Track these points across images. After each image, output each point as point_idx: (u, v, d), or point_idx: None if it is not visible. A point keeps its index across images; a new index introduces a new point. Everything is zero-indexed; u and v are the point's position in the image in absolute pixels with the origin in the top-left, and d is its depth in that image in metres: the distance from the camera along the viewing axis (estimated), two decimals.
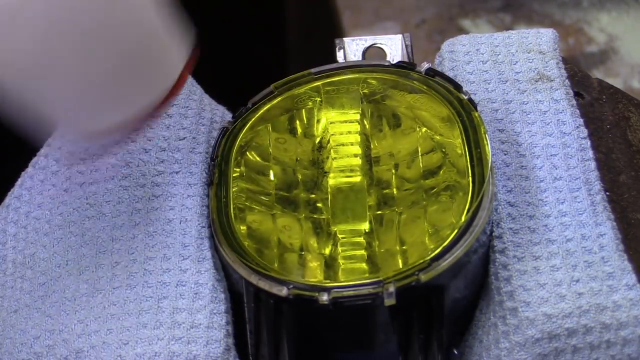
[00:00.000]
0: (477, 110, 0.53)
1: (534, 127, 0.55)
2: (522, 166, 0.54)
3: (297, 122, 0.56)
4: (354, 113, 0.56)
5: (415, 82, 0.55)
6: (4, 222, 0.54)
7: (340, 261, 0.52)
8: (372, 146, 0.55)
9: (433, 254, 0.48)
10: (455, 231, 0.49)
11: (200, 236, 0.52)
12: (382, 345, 0.51)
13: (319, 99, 0.56)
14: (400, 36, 0.62)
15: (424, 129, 0.55)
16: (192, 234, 0.52)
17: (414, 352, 0.49)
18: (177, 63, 0.48)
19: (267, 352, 0.48)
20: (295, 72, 0.56)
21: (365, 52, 0.62)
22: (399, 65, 0.56)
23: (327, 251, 0.53)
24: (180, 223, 0.52)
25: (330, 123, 0.56)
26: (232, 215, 0.51)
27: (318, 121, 0.56)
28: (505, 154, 0.54)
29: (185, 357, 0.47)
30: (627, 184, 0.55)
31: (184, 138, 0.56)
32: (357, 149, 0.55)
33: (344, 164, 0.55)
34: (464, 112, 0.53)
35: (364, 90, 0.56)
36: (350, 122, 0.56)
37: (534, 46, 0.59)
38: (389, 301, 0.47)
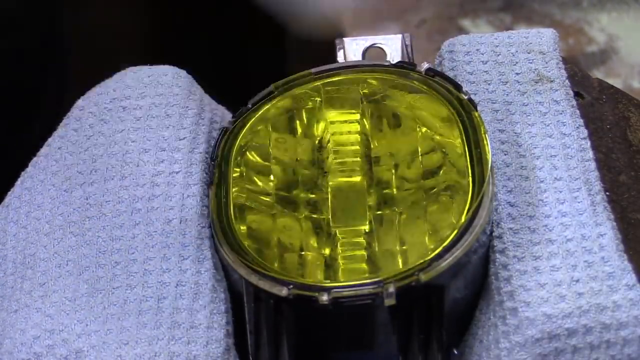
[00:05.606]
0: (477, 110, 0.53)
1: (534, 129, 0.55)
2: (523, 166, 0.54)
3: (297, 122, 0.56)
4: (354, 113, 0.56)
5: (415, 82, 0.55)
6: (4, 222, 0.54)
7: (340, 261, 0.52)
8: (372, 146, 0.55)
9: (433, 254, 0.48)
10: (455, 231, 0.49)
11: (200, 236, 0.52)
12: (382, 345, 0.51)
13: (319, 99, 0.56)
14: (400, 36, 0.62)
15: (424, 129, 0.55)
16: (192, 234, 0.52)
17: (413, 352, 0.49)
18: None
19: (267, 352, 0.48)
20: (295, 72, 0.56)
21: (365, 52, 0.61)
22: (399, 65, 0.56)
23: (327, 251, 0.53)
24: (180, 223, 0.52)
25: (330, 123, 0.56)
26: (232, 215, 0.51)
27: (318, 121, 0.56)
28: (505, 154, 0.54)
29: (185, 357, 0.47)
30: (627, 184, 0.55)
31: (184, 138, 0.55)
32: (357, 149, 0.55)
33: (344, 164, 0.55)
34: (464, 112, 0.53)
35: (364, 90, 0.56)
36: (350, 122, 0.56)
37: (534, 46, 0.59)
38: (389, 301, 0.47)
